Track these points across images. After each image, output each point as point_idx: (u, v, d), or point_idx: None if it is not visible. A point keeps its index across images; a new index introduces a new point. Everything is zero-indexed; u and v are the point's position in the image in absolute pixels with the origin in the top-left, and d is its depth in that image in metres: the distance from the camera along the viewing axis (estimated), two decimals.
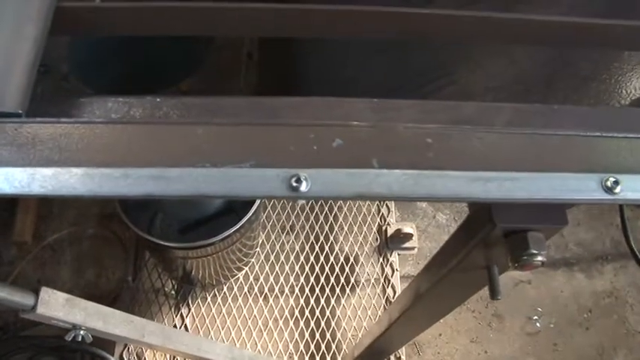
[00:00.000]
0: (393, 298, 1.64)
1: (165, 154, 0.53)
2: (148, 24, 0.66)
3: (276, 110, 0.63)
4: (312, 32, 0.69)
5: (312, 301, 1.62)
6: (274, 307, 1.61)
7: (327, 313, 1.62)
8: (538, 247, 0.65)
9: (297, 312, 1.61)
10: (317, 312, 1.61)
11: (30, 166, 0.52)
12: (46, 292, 0.88)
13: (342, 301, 1.64)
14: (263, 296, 1.61)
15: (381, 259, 1.70)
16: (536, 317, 1.80)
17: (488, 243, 0.69)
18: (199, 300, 1.58)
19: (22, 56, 0.58)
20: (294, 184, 0.52)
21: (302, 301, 1.62)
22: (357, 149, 0.56)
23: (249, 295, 1.61)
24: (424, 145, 0.57)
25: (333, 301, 1.63)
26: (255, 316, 1.59)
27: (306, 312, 1.61)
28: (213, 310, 1.57)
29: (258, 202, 1.20)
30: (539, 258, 0.65)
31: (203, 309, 1.57)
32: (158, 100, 0.63)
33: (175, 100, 0.63)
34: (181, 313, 1.56)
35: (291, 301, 1.62)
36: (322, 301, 1.62)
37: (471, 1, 0.86)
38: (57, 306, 0.89)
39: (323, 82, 1.08)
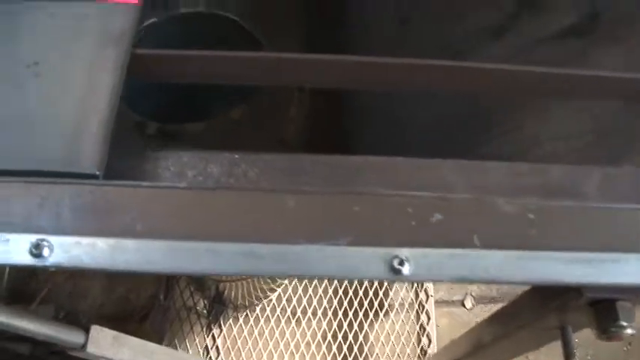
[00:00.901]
0: (427, 324, 1.60)
1: (255, 227, 0.50)
2: (221, 73, 0.63)
3: (360, 171, 0.59)
4: (410, 86, 0.66)
5: (344, 324, 1.59)
6: (306, 330, 1.57)
7: (360, 337, 1.58)
8: (628, 318, 0.62)
9: (329, 335, 1.58)
10: (350, 336, 1.58)
11: (112, 237, 0.49)
12: (95, 330, 0.86)
13: (375, 325, 1.60)
14: (295, 319, 1.58)
15: (415, 284, 1.67)
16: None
17: (570, 308, 0.65)
18: (231, 321, 1.55)
19: (98, 110, 0.55)
20: (397, 267, 0.48)
21: (335, 324, 1.59)
22: (456, 225, 0.52)
23: (281, 317, 1.58)
24: (526, 222, 0.53)
25: (366, 326, 1.59)
26: (287, 338, 1.56)
27: (339, 336, 1.57)
28: (245, 331, 1.55)
29: None
30: (629, 331, 0.62)
31: (235, 330, 1.54)
32: (236, 156, 0.59)
33: (254, 157, 0.59)
34: (213, 334, 1.53)
35: (324, 324, 1.59)
36: (355, 325, 1.59)
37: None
38: (106, 345, 0.86)
39: (377, 117, 1.04)
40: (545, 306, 0.67)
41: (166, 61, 0.60)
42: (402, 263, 0.48)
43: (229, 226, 0.49)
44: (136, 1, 0.62)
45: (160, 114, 1.01)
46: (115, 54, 0.58)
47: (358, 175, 0.59)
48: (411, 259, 0.49)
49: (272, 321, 1.56)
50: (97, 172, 0.52)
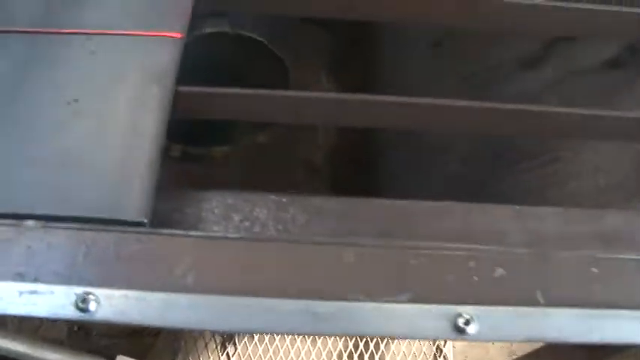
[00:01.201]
0: (444, 345, 1.58)
1: (311, 282, 0.48)
2: (263, 111, 0.60)
3: (415, 217, 0.57)
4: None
5: (361, 344, 1.56)
6: (322, 350, 1.55)
7: (376, 357, 1.56)
8: None
9: (345, 355, 1.55)
10: (366, 356, 1.55)
11: (163, 290, 0.47)
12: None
13: (392, 346, 1.58)
14: (311, 338, 1.55)
15: None
16: None
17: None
18: (246, 339, 1.52)
19: (143, 153, 0.53)
20: (462, 326, 0.46)
21: (351, 343, 1.56)
22: (519, 280, 0.50)
23: (296, 336, 1.55)
24: (589, 276, 0.51)
25: (382, 346, 1.56)
26: (302, 358, 1.53)
27: (355, 355, 1.54)
28: (260, 350, 1.52)
29: None
30: None
31: (250, 349, 1.52)
32: (284, 200, 0.57)
33: (302, 201, 0.57)
34: (227, 352, 1.51)
35: (340, 343, 1.56)
36: (371, 345, 1.56)
37: None
38: None
39: (406, 142, 1.02)
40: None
41: (211, 99, 0.58)
42: (467, 322, 0.46)
43: (284, 280, 0.47)
44: (179, 35, 0.59)
45: (184, 137, 0.99)
46: (159, 91, 0.56)
47: (411, 221, 0.56)
48: (476, 317, 0.46)
49: (287, 340, 1.54)
50: (144, 220, 0.50)
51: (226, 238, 0.50)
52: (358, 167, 1.06)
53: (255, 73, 1.14)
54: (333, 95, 0.60)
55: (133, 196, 0.51)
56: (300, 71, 1.16)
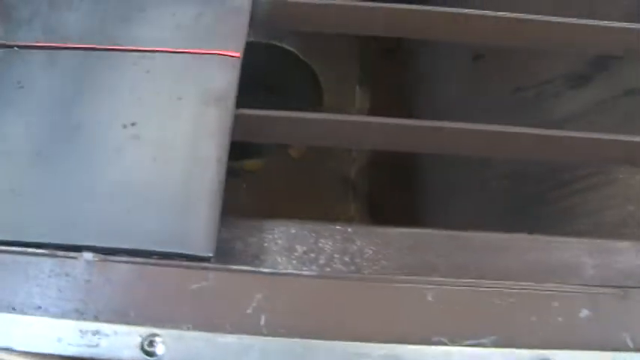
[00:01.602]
0: None
1: (392, 323, 0.45)
2: (326, 136, 0.58)
3: (489, 250, 0.54)
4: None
5: None
6: None
7: None
8: None
9: None
10: None
11: (234, 332, 0.44)
12: None
13: None
14: None
15: None
16: None
17: None
18: None
19: (205, 181, 0.50)
20: None
21: None
22: (606, 322, 0.47)
23: None
24: None
25: None
26: None
27: None
28: None
29: None
30: None
31: None
32: (349, 230, 0.54)
33: (369, 232, 0.54)
34: None
35: None
36: None
37: None
38: None
39: (441, 158, 1.00)
40: None
41: (272, 122, 0.55)
42: None
43: (364, 322, 0.45)
44: (238, 54, 0.57)
45: None
46: (219, 114, 0.53)
47: (485, 254, 0.54)
48: None
49: None
50: (211, 255, 0.47)
51: (300, 275, 0.47)
52: (394, 181, 1.03)
53: (288, 82, 1.11)
54: (405, 122, 0.57)
55: (197, 227, 0.48)
56: (333, 81, 1.13)
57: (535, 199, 0.85)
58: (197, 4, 0.60)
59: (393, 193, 1.04)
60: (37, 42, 0.58)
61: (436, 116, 1.03)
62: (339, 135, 0.56)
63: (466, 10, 0.64)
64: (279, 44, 1.07)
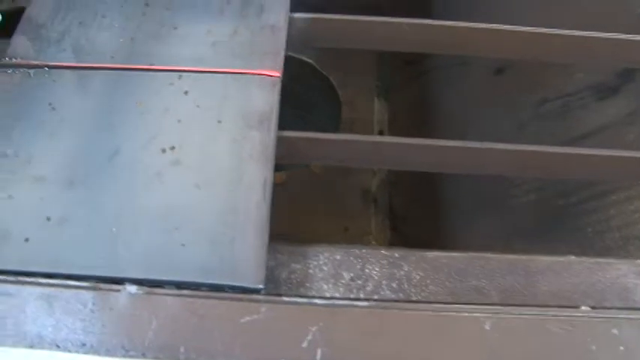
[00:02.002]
0: None
1: (454, 355, 0.44)
2: (368, 159, 0.56)
3: (536, 273, 0.53)
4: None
5: None
6: None
7: None
8: None
9: None
10: None
11: None
12: None
13: None
14: None
15: None
16: None
17: None
18: None
19: (252, 208, 0.48)
20: None
21: None
22: None
23: None
24: None
25: None
26: None
27: None
28: None
29: None
30: None
31: None
32: (396, 255, 0.53)
33: (416, 257, 0.53)
34: None
35: None
36: None
37: None
38: None
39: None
40: None
41: (315, 145, 0.54)
42: None
43: (421, 353, 0.43)
44: (278, 74, 0.55)
45: None
46: (262, 137, 0.51)
47: (533, 277, 0.52)
48: None
49: None
50: (261, 287, 0.45)
51: (354, 306, 0.45)
52: (415, 194, 1.02)
53: (306, 94, 1.10)
54: (446, 142, 0.55)
55: (246, 257, 0.46)
56: (351, 92, 1.12)
57: (562, 213, 0.83)
58: (231, 20, 0.58)
59: (415, 206, 1.03)
60: (68, 62, 0.56)
61: (456, 129, 1.03)
62: (380, 156, 0.55)
63: (501, 26, 0.63)
64: (297, 56, 1.06)
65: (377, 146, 0.55)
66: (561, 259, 0.54)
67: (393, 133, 1.07)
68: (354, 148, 0.55)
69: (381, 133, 1.08)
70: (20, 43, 0.58)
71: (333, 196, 1.02)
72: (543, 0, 0.93)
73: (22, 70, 0.56)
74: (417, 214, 1.02)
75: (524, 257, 0.54)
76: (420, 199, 1.01)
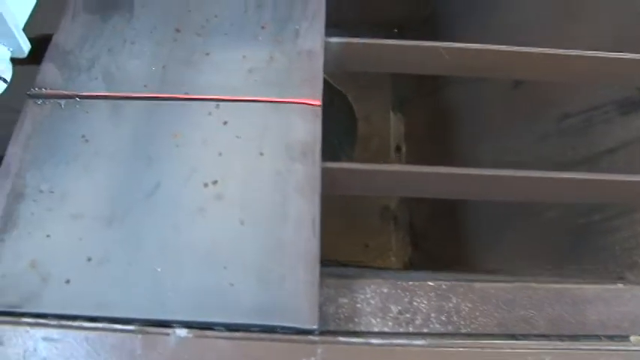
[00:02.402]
0: None
1: None
2: (418, 188, 0.55)
3: (584, 302, 0.52)
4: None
5: None
6: None
7: None
8: None
9: None
10: None
11: None
12: None
13: None
14: None
15: None
16: None
17: None
18: None
19: (301, 244, 0.47)
20: None
21: None
22: None
23: None
24: None
25: None
26: None
27: None
28: None
29: None
30: None
31: None
32: (443, 286, 0.52)
33: (464, 287, 0.52)
34: None
35: None
36: None
37: None
38: None
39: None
40: None
41: (359, 175, 0.52)
42: None
43: None
44: (318, 102, 0.54)
45: None
46: (307, 170, 0.50)
47: (580, 306, 0.52)
48: None
49: None
50: (315, 327, 0.44)
51: (411, 344, 0.44)
52: (435, 212, 1.01)
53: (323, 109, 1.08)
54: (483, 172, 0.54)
55: (299, 297, 0.44)
56: (367, 107, 1.11)
57: (587, 231, 0.83)
58: (267, 45, 0.57)
59: (436, 223, 1.02)
60: (100, 91, 0.54)
61: (474, 144, 1.02)
62: (428, 186, 0.54)
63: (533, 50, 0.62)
64: None
65: (424, 177, 0.54)
66: (610, 287, 0.53)
67: (410, 147, 1.06)
68: (400, 179, 0.54)
69: (398, 148, 1.08)
70: (49, 72, 0.56)
71: (352, 212, 1.01)
72: (555, 17, 0.93)
73: (52, 100, 0.54)
74: (438, 231, 1.01)
75: (571, 286, 0.53)
76: (441, 216, 1.00)
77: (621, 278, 0.75)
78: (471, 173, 0.53)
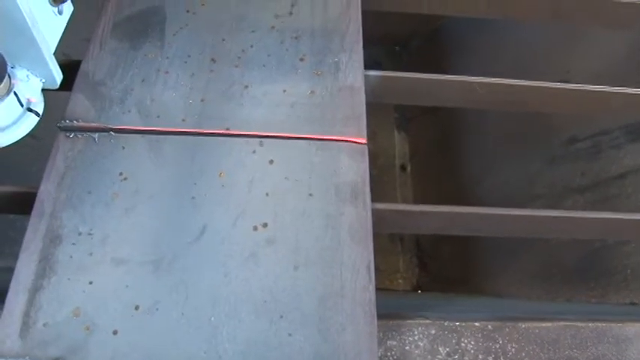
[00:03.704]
0: None
1: None
2: (464, 228, 0.55)
3: (625, 341, 0.53)
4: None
5: None
6: None
7: None
8: None
9: None
10: None
11: None
12: None
13: None
14: None
15: None
16: None
17: None
18: None
19: (358, 294, 0.45)
20: None
21: None
22: None
23: None
24: None
25: None
26: None
27: None
28: None
29: None
30: None
31: None
32: (489, 326, 0.52)
33: (508, 326, 0.52)
34: None
35: None
36: None
37: None
38: None
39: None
40: None
41: (408, 216, 0.52)
42: None
43: None
44: (364, 140, 0.53)
45: None
46: (358, 213, 0.49)
47: (622, 345, 0.53)
48: None
49: None
50: None
51: None
52: (446, 236, 1.02)
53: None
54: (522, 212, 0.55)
55: (359, 347, 0.43)
56: (372, 126, 1.09)
57: (599, 255, 0.85)
58: (307, 79, 0.56)
59: (443, 244, 1.02)
60: (135, 125, 0.52)
61: (477, 165, 1.03)
62: (479, 225, 0.54)
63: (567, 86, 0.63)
64: None
65: (473, 217, 0.54)
66: None
67: (414, 167, 1.06)
68: (447, 219, 0.54)
69: (403, 167, 1.08)
70: (79, 103, 0.53)
71: None
72: (566, 37, 0.94)
73: (84, 134, 0.51)
74: (446, 252, 1.02)
75: (613, 325, 0.54)
76: (448, 237, 1.01)
77: (633, 304, 0.78)
78: (523, 214, 0.53)
